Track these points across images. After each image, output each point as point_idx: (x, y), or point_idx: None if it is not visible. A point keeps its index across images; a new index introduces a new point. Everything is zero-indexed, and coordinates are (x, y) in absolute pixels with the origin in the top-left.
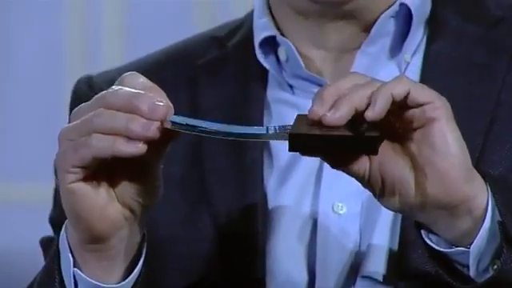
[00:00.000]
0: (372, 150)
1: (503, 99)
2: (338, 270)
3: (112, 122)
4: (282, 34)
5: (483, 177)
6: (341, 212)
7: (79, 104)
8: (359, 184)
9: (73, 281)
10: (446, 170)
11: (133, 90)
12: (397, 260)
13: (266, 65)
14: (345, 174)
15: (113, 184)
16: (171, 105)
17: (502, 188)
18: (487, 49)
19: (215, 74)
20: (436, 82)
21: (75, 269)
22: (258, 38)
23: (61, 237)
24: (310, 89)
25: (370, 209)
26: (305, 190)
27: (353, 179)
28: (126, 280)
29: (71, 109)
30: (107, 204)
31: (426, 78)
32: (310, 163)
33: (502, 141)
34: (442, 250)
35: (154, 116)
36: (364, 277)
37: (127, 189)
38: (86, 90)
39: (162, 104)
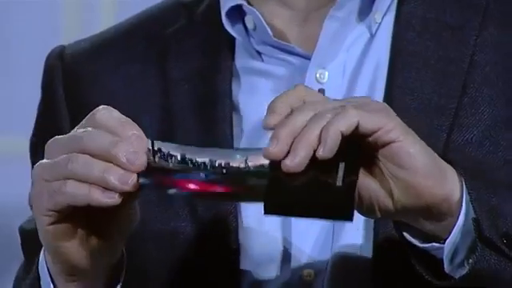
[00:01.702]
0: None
1: (476, 61)
2: (313, 241)
3: (88, 171)
4: (249, 3)
5: (455, 166)
6: None
7: (50, 77)
8: None
9: None
10: (419, 183)
11: (110, 137)
12: (375, 232)
13: (233, 33)
14: None
15: (89, 220)
16: (146, 139)
17: (472, 175)
18: (459, 9)
19: (183, 44)
20: (408, 46)
21: None
22: (225, 7)
23: (40, 263)
24: (279, 55)
25: None
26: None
27: None
28: None
29: (43, 82)
30: (85, 239)
31: (397, 40)
32: None
33: (476, 104)
34: (419, 245)
35: (132, 168)
36: (340, 249)
37: (104, 223)
38: (56, 63)
39: (139, 155)
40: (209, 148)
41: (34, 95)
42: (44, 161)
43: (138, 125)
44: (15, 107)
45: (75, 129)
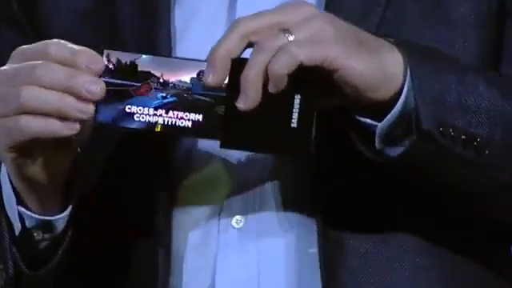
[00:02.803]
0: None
1: None
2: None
3: (42, 103)
4: None
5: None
6: None
7: None
8: None
9: (18, 217)
10: (366, 94)
11: (64, 68)
12: None
13: None
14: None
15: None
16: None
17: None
18: None
19: None
20: None
21: (19, 206)
22: None
23: (2, 175)
24: None
25: None
26: (217, 23)
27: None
28: (64, 213)
29: None
30: (47, 159)
31: None
32: None
33: None
34: (357, 118)
35: (91, 97)
36: None
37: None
38: None
39: (97, 83)
40: (158, 56)
41: None
42: None
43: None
44: None
45: (19, 62)
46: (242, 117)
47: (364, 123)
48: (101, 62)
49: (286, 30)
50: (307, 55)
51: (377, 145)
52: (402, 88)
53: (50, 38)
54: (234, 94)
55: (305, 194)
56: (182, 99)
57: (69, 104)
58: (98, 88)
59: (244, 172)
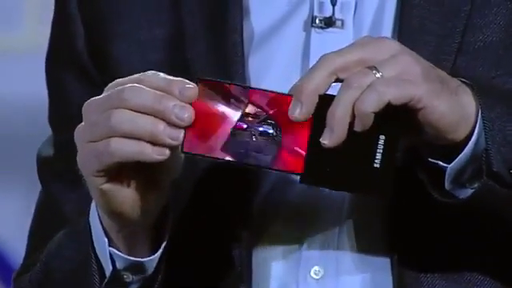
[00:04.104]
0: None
1: None
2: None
3: (134, 126)
4: None
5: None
6: None
7: None
8: None
9: (109, 259)
10: (445, 135)
11: (154, 91)
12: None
13: None
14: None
15: (138, 172)
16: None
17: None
18: None
19: None
20: None
21: (111, 248)
22: None
23: (91, 215)
24: None
25: None
26: (291, 71)
27: None
28: (156, 254)
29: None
30: (137, 194)
31: None
32: (295, 38)
33: (489, 5)
34: (429, 159)
35: (181, 124)
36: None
37: (150, 173)
38: None
39: (187, 109)
40: (251, 88)
41: None
42: (82, 123)
43: (150, 37)
44: None
45: (107, 89)
46: (325, 153)
47: (434, 164)
48: (194, 88)
49: (374, 67)
50: (396, 94)
51: (446, 186)
52: (474, 129)
53: None
54: (318, 129)
55: (379, 234)
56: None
57: (159, 129)
58: (186, 114)
59: (323, 213)
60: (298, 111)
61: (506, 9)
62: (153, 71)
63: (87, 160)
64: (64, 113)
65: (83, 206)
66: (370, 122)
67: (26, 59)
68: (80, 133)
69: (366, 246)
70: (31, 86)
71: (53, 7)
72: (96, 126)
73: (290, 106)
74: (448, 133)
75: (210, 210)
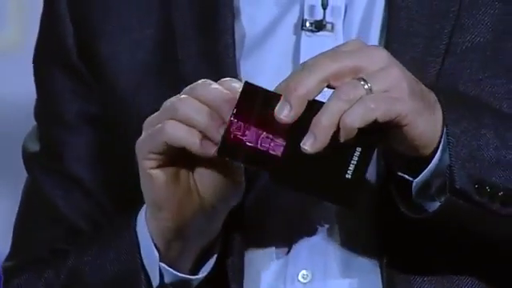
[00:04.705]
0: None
1: None
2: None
3: (193, 113)
4: None
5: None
6: None
7: None
8: None
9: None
10: (416, 147)
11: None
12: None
13: None
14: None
15: (193, 175)
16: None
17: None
18: None
19: None
20: None
21: (161, 263)
22: None
23: (138, 225)
24: None
25: None
26: (283, 74)
27: None
28: (205, 273)
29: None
30: (186, 195)
31: None
32: (285, 41)
33: (477, 5)
34: (402, 175)
35: None
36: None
37: (208, 181)
38: None
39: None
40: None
41: None
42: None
43: (140, 37)
44: None
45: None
46: (300, 156)
47: (402, 177)
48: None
49: (363, 79)
50: (384, 111)
51: (413, 198)
52: (438, 145)
53: (112, 86)
54: (299, 133)
55: (367, 238)
56: None
57: (213, 126)
58: None
59: (311, 217)
60: (286, 113)
61: (494, 9)
62: (203, 80)
63: (143, 140)
64: (52, 109)
65: (73, 205)
66: (352, 135)
67: (8, 59)
68: (149, 120)
69: (354, 249)
70: (14, 86)
71: (36, 6)
72: (162, 113)
73: (278, 105)
74: (423, 148)
75: None
